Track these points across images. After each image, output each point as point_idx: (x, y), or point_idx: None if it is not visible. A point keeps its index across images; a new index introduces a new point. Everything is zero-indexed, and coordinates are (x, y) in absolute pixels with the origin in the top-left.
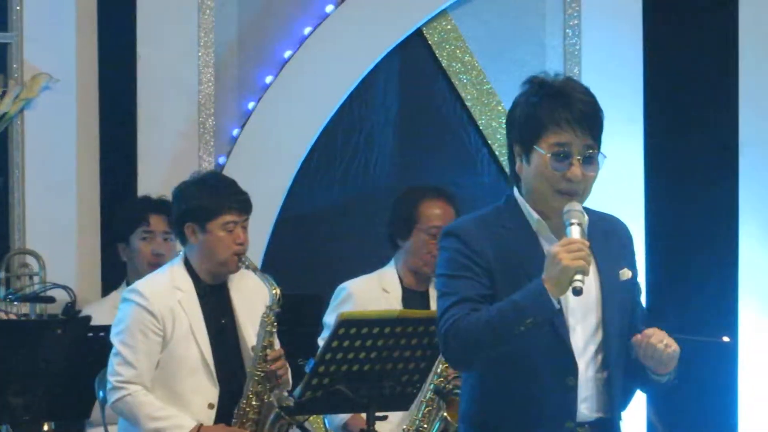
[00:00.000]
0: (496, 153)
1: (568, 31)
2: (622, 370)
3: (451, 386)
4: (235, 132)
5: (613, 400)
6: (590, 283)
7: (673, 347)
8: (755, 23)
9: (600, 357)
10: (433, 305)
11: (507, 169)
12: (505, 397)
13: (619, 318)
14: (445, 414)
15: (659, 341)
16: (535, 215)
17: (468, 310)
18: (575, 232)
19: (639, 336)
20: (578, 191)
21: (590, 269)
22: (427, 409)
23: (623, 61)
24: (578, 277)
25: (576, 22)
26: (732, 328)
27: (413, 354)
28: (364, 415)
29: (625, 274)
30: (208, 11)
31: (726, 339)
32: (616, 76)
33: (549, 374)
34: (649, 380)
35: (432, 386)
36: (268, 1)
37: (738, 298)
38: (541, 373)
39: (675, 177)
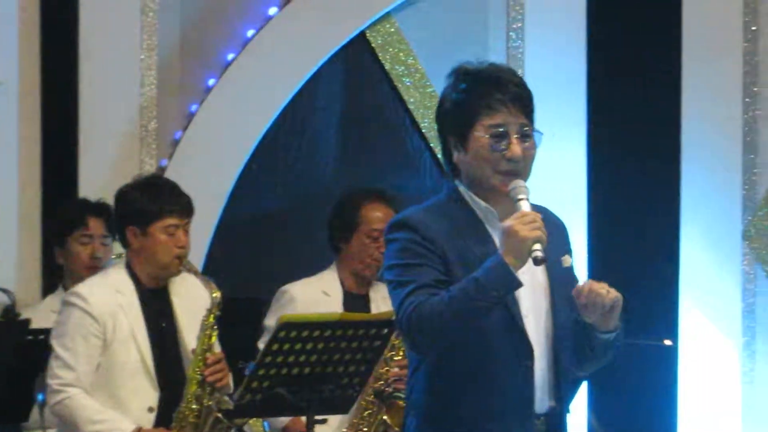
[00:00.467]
0: (439, 156)
1: (511, 34)
2: (570, 360)
3: (391, 389)
4: (178, 135)
5: (563, 390)
6: (538, 271)
7: (614, 293)
8: (699, 27)
9: (551, 345)
10: (374, 309)
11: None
12: (465, 384)
13: (566, 305)
14: (385, 417)
15: (600, 287)
16: (483, 203)
17: (427, 295)
18: (525, 206)
19: (579, 285)
20: (520, 170)
21: None
22: (367, 412)
23: (567, 64)
24: (537, 246)
25: (519, 25)
26: (673, 331)
27: (353, 357)
28: (303, 419)
29: (566, 261)
30: (150, 14)
31: (667, 342)
32: (559, 80)
33: (507, 357)
34: (596, 342)
35: (372, 390)
36: (212, 4)
37: (679, 301)
38: (500, 356)
39: (617, 181)
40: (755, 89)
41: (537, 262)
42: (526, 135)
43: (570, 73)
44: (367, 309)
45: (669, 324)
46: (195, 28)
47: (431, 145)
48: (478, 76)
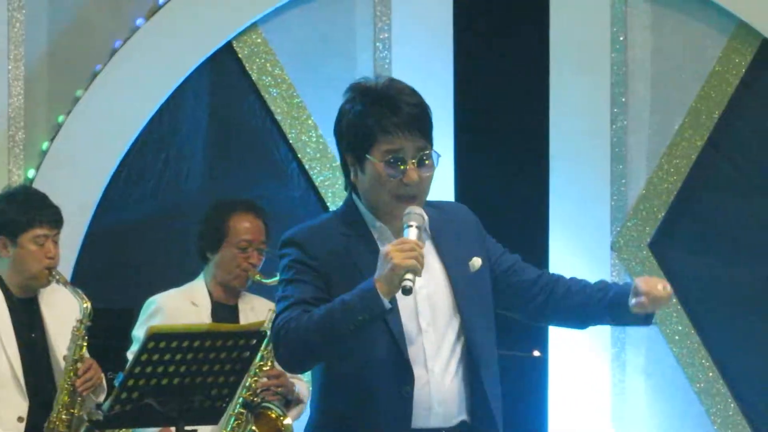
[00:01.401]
0: (306, 167)
1: (378, 44)
2: (491, 367)
3: (259, 400)
4: (45, 145)
5: (481, 400)
6: (438, 283)
7: (669, 288)
8: (567, 37)
9: (462, 357)
10: (243, 319)
11: (317, 182)
12: (348, 406)
13: (480, 312)
14: (254, 428)
15: (657, 286)
16: (378, 222)
17: (301, 312)
18: (412, 233)
19: (642, 299)
20: (416, 194)
21: (437, 268)
22: (236, 422)
23: (434, 75)
24: (409, 276)
25: (386, 35)
26: (542, 342)
27: (222, 368)
28: (173, 429)
29: (474, 265)
30: (18, 24)
31: (536, 353)
32: (426, 90)
33: (385, 383)
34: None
35: (241, 400)
36: (80, 15)
37: None
38: (377, 383)
39: (485, 192)
40: (623, 99)
41: (405, 292)
42: (424, 159)
43: (437, 83)
44: (235, 320)
45: (538, 335)
46: (62, 39)
47: (299, 155)
48: (375, 96)
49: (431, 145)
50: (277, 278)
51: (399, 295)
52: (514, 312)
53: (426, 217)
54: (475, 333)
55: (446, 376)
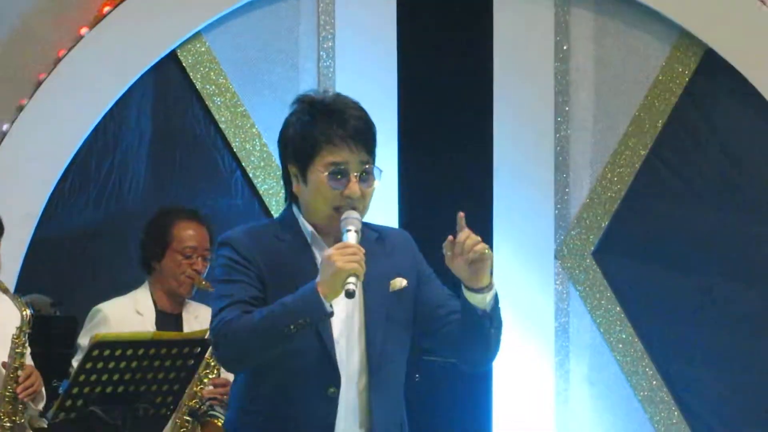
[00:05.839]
0: (250, 175)
1: (321, 53)
2: (393, 388)
3: (205, 408)
4: None
5: (377, 418)
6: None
7: (485, 246)
8: (510, 46)
9: (365, 372)
10: (187, 328)
11: (261, 191)
12: (270, 407)
13: (387, 332)
14: None
15: (468, 237)
16: (310, 228)
17: (239, 312)
18: (352, 237)
19: (450, 237)
20: (357, 208)
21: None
22: (181, 430)
23: (377, 84)
24: (351, 279)
25: (330, 44)
26: None
27: (167, 376)
28: None
29: (395, 284)
30: None
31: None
32: (370, 99)
33: (311, 383)
34: (470, 314)
35: (186, 408)
36: (23, 24)
37: None
38: (303, 381)
39: (428, 201)
40: (566, 109)
41: (348, 295)
42: (366, 173)
43: (381, 92)
44: (179, 328)
45: None
46: (6, 47)
47: (242, 164)
48: (323, 108)
49: (374, 160)
50: None
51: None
52: (435, 341)
53: (361, 224)
54: (378, 349)
55: (350, 387)
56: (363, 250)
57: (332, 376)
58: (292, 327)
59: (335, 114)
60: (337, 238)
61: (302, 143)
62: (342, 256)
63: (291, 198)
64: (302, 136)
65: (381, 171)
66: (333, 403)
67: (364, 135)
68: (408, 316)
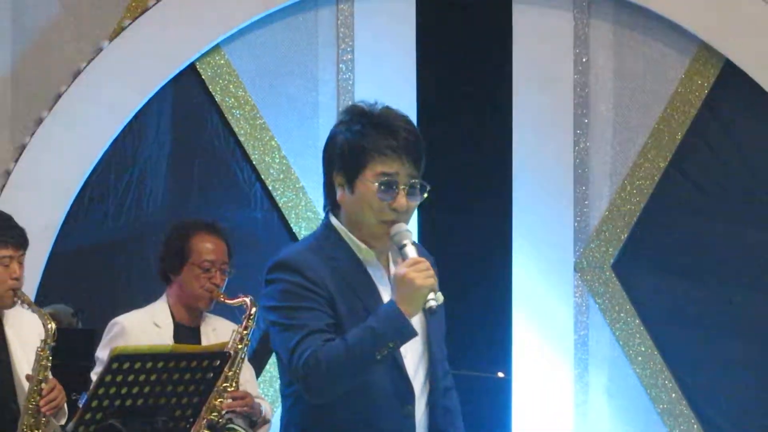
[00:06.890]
0: (269, 188)
1: (341, 65)
2: (449, 399)
3: (224, 421)
4: (10, 166)
5: (438, 425)
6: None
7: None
8: (530, 58)
9: (428, 382)
10: (205, 341)
11: (280, 203)
12: (348, 422)
13: (439, 342)
14: None
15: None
16: (362, 245)
17: (322, 341)
18: (412, 251)
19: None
20: (401, 221)
21: None
22: None
23: (397, 96)
24: (432, 295)
25: (349, 56)
26: (506, 363)
27: (186, 389)
28: None
29: (439, 298)
30: None
31: (501, 374)
32: None
33: (388, 402)
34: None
35: (205, 421)
36: (43, 37)
37: (512, 333)
38: (380, 400)
39: (449, 212)
40: (586, 121)
41: (431, 311)
42: (414, 187)
43: (400, 104)
44: (197, 341)
45: (502, 356)
46: (26, 59)
47: (262, 176)
48: (374, 119)
49: (421, 176)
50: (241, 299)
51: None
52: None
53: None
54: (436, 357)
55: (421, 398)
56: (428, 262)
57: (407, 394)
58: (383, 350)
59: (386, 125)
60: (382, 249)
61: (353, 152)
62: (418, 273)
63: (332, 208)
64: (353, 145)
65: (428, 187)
66: (410, 419)
67: (414, 148)
68: (444, 330)
